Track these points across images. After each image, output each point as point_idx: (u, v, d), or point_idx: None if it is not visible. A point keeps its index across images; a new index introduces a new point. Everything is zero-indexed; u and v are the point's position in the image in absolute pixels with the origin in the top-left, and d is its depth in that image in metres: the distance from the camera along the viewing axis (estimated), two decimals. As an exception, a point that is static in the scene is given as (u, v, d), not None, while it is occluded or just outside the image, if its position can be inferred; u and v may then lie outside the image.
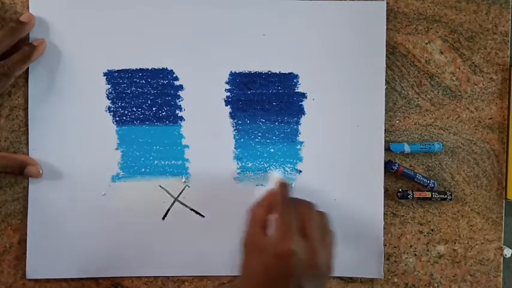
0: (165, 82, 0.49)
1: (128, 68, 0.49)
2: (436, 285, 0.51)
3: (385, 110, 0.50)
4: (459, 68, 0.52)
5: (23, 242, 0.49)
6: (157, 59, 0.49)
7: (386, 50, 0.50)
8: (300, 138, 0.50)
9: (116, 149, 0.49)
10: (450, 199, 0.50)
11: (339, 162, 0.50)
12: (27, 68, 0.48)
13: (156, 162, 0.49)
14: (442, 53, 0.51)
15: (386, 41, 0.50)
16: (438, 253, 0.51)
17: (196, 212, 0.49)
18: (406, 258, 0.51)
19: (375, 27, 0.50)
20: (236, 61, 0.50)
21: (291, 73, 0.50)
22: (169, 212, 0.49)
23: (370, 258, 0.50)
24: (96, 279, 0.49)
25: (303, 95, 0.50)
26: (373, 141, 0.50)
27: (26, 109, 0.49)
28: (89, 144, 0.49)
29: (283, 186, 0.44)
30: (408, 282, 0.51)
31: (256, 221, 0.42)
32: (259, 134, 0.50)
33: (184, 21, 0.49)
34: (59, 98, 0.49)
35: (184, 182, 0.49)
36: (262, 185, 0.49)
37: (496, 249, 0.52)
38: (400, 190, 0.50)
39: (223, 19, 0.49)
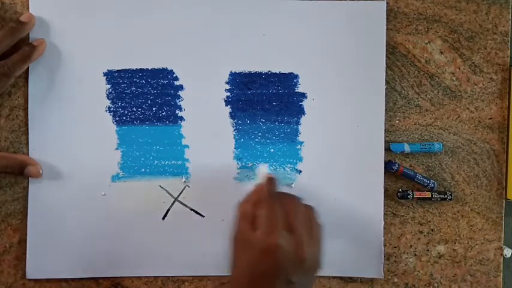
0: (165, 82, 0.49)
1: (127, 68, 0.49)
2: (436, 285, 0.51)
3: (385, 110, 0.50)
4: (459, 68, 0.52)
5: (23, 242, 0.49)
6: (157, 59, 0.49)
7: (387, 50, 0.50)
8: (300, 138, 0.50)
9: (116, 149, 0.49)
10: (450, 199, 0.50)
11: (339, 162, 0.50)
12: (27, 68, 0.48)
13: (156, 162, 0.49)
14: (442, 53, 0.51)
15: (387, 41, 0.50)
16: (438, 253, 0.51)
17: (196, 212, 0.49)
18: (406, 258, 0.51)
19: (375, 27, 0.50)
20: (236, 61, 0.50)
21: (291, 73, 0.50)
22: (169, 212, 0.49)
23: (370, 258, 0.50)
24: (96, 279, 0.49)
25: (303, 95, 0.50)
26: (373, 141, 0.50)
27: (26, 109, 0.49)
28: (89, 144, 0.49)
29: (270, 181, 0.44)
30: (408, 282, 0.51)
31: (243, 216, 0.42)
32: (259, 134, 0.50)
33: (184, 21, 0.49)
34: (59, 98, 0.49)
35: (184, 182, 0.49)
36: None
37: (496, 249, 0.52)
38: (400, 190, 0.50)
39: (223, 19, 0.49)
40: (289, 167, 0.50)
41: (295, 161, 0.50)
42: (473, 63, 0.52)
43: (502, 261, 0.52)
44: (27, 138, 0.48)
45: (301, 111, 0.50)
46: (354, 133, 0.50)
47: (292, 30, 0.50)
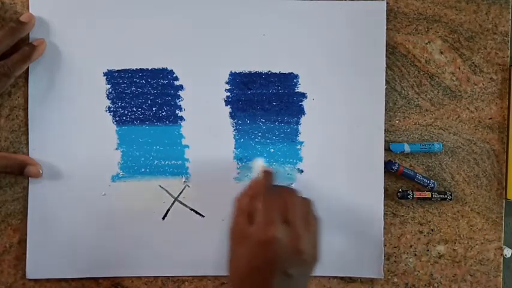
0: (165, 82, 0.49)
1: (127, 68, 0.49)
2: (436, 285, 0.51)
3: (385, 110, 0.50)
4: (459, 68, 0.52)
5: (23, 242, 0.49)
6: (157, 59, 0.49)
7: (386, 50, 0.50)
8: (300, 138, 0.50)
9: (116, 149, 0.49)
10: (450, 199, 0.50)
11: (339, 162, 0.50)
12: (27, 68, 0.48)
13: (156, 162, 0.49)
14: (442, 53, 0.51)
15: (386, 41, 0.50)
16: (438, 253, 0.51)
17: (196, 212, 0.49)
18: (406, 258, 0.51)
19: (375, 27, 0.50)
20: (236, 61, 0.50)
21: (291, 73, 0.50)
22: (169, 212, 0.49)
23: (370, 258, 0.50)
24: (96, 279, 0.49)
25: (303, 95, 0.50)
26: (373, 141, 0.50)
27: (26, 109, 0.49)
28: (89, 144, 0.49)
29: (267, 174, 0.45)
30: (408, 282, 0.51)
31: (241, 210, 0.42)
32: (259, 134, 0.50)
33: (184, 21, 0.49)
34: (59, 98, 0.49)
35: (184, 182, 0.49)
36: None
37: (496, 249, 0.52)
38: (400, 190, 0.50)
39: (223, 19, 0.49)
40: (289, 167, 0.50)
41: (295, 161, 0.50)
42: (473, 63, 0.52)
43: (502, 261, 0.52)
44: (27, 138, 0.48)
45: (301, 111, 0.50)
46: (354, 133, 0.50)
47: (292, 30, 0.50)
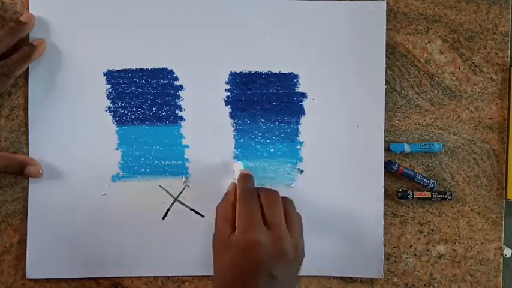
0: (165, 82, 0.49)
1: (127, 68, 0.49)
2: (436, 285, 0.51)
3: (385, 110, 0.50)
4: (459, 68, 0.52)
5: (23, 242, 0.49)
6: (157, 59, 0.49)
7: (386, 50, 0.50)
8: (300, 138, 0.50)
9: (116, 149, 0.49)
10: (450, 199, 0.50)
11: (339, 162, 0.50)
12: (27, 68, 0.48)
13: (156, 162, 0.49)
14: (442, 53, 0.51)
15: (386, 41, 0.50)
16: (438, 253, 0.51)
17: (196, 212, 0.49)
18: (406, 258, 0.51)
19: (375, 27, 0.50)
20: (236, 61, 0.50)
21: (291, 73, 0.50)
22: (169, 212, 0.49)
23: (370, 258, 0.50)
24: (96, 279, 0.49)
25: (303, 95, 0.50)
26: (373, 141, 0.50)
27: (26, 109, 0.49)
28: (89, 144, 0.49)
29: (244, 178, 0.45)
30: (408, 282, 0.51)
31: (222, 217, 0.42)
32: (259, 134, 0.50)
33: (184, 21, 0.49)
34: (59, 98, 0.49)
35: (184, 182, 0.49)
36: (262, 185, 0.49)
37: (496, 249, 0.52)
38: (400, 190, 0.50)
39: (223, 19, 0.49)
40: (289, 167, 0.50)
41: (295, 160, 0.50)
42: (473, 63, 0.52)
43: (502, 261, 0.52)
44: (27, 138, 0.48)
45: (301, 111, 0.50)
46: (354, 133, 0.50)
47: (292, 30, 0.50)
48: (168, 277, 0.50)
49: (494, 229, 0.51)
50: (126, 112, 0.49)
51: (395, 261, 0.51)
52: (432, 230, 0.51)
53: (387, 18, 0.50)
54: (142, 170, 0.49)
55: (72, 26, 0.49)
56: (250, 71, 0.50)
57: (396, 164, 0.50)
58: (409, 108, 0.51)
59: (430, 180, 0.50)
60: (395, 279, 0.51)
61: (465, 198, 0.52)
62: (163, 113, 0.49)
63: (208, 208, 0.49)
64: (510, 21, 0.52)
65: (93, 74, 0.49)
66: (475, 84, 0.52)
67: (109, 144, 0.49)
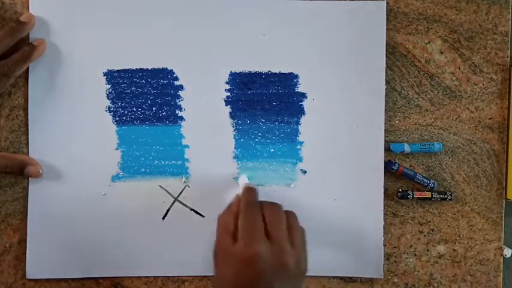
0: (165, 82, 0.49)
1: (127, 68, 0.49)
2: (436, 285, 0.51)
3: (385, 110, 0.50)
4: (459, 68, 0.52)
5: (23, 242, 0.49)
6: (157, 59, 0.49)
7: (386, 50, 0.50)
8: (300, 138, 0.50)
9: (116, 149, 0.49)
10: (450, 199, 0.50)
11: (339, 162, 0.50)
12: (27, 68, 0.48)
13: (156, 162, 0.49)
14: (442, 53, 0.51)
15: (386, 41, 0.50)
16: (438, 253, 0.51)
17: (196, 212, 0.49)
18: (406, 258, 0.51)
19: (375, 27, 0.50)
20: (236, 61, 0.50)
21: (291, 73, 0.50)
22: (169, 212, 0.49)
23: (370, 258, 0.50)
24: (96, 279, 0.49)
25: (303, 95, 0.50)
26: (373, 141, 0.50)
27: (26, 109, 0.49)
28: (89, 144, 0.49)
29: (249, 191, 0.45)
30: (408, 282, 0.51)
31: (224, 228, 0.42)
32: (259, 134, 0.50)
33: (184, 21, 0.49)
34: (59, 98, 0.49)
35: (184, 182, 0.49)
36: (262, 185, 0.49)
37: (496, 249, 0.52)
38: (400, 190, 0.50)
39: (223, 19, 0.49)
40: (289, 167, 0.50)
41: (295, 160, 0.50)
42: (473, 63, 0.52)
43: (502, 261, 0.52)
44: (27, 138, 0.48)
45: (301, 111, 0.50)
46: (354, 133, 0.50)
47: (292, 30, 0.50)
48: (168, 277, 0.50)
49: (494, 229, 0.51)
50: (126, 112, 0.49)
51: (395, 261, 0.51)
52: (432, 230, 0.51)
53: (387, 18, 0.50)
54: (142, 170, 0.49)
55: (72, 26, 0.49)
56: (250, 71, 0.50)
57: (396, 164, 0.50)
58: (409, 108, 0.51)
59: (430, 180, 0.50)
60: (395, 279, 0.51)
61: (465, 198, 0.52)
62: (163, 113, 0.49)
63: (208, 208, 0.49)
64: (510, 21, 0.52)
65: (93, 74, 0.49)
66: (475, 84, 0.52)
67: (109, 144, 0.49)
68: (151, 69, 0.49)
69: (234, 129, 0.50)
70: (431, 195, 0.50)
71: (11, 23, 0.46)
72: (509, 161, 0.51)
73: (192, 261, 0.49)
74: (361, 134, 0.50)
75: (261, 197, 0.46)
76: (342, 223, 0.50)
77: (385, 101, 0.50)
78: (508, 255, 0.52)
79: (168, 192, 0.49)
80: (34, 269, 0.48)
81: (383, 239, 0.50)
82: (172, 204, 0.49)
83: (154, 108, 0.49)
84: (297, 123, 0.50)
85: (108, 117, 0.49)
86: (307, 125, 0.50)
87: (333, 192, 0.50)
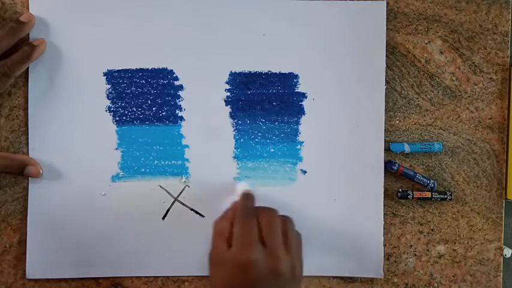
0: (165, 82, 0.49)
1: (127, 68, 0.49)
2: (436, 285, 0.51)
3: (385, 110, 0.50)
4: (459, 68, 0.52)
5: (23, 242, 0.49)
6: (157, 59, 0.49)
7: (386, 50, 0.50)
8: (300, 138, 0.50)
9: (116, 149, 0.49)
10: (450, 199, 0.50)
11: (339, 162, 0.50)
12: (27, 68, 0.48)
13: (156, 162, 0.49)
14: (442, 53, 0.51)
15: (387, 41, 0.50)
16: (438, 253, 0.51)
17: (196, 212, 0.49)
18: (406, 258, 0.51)
19: (375, 27, 0.50)
20: (236, 61, 0.50)
21: (291, 73, 0.50)
22: (169, 212, 0.49)
23: (370, 258, 0.50)
24: (96, 279, 0.49)
25: (303, 95, 0.50)
26: (373, 141, 0.50)
27: (26, 109, 0.49)
28: (88, 144, 0.49)
29: (245, 197, 0.45)
30: (408, 282, 0.51)
31: (219, 234, 0.42)
32: (259, 134, 0.50)
33: (184, 21, 0.49)
34: (59, 98, 0.49)
35: (184, 182, 0.49)
36: (262, 184, 0.49)
37: (496, 249, 0.52)
38: (400, 190, 0.50)
39: (223, 19, 0.49)
40: (289, 167, 0.50)
41: (295, 160, 0.50)
42: (473, 63, 0.52)
43: (502, 261, 0.52)
44: (27, 138, 0.48)
45: (301, 111, 0.50)
46: (354, 133, 0.50)
47: (292, 30, 0.50)
48: (168, 277, 0.50)
49: (494, 229, 0.51)
50: (126, 112, 0.49)
51: (395, 261, 0.51)
52: (432, 230, 0.51)
53: (387, 18, 0.50)
54: (142, 170, 0.49)
55: (72, 26, 0.49)
56: (250, 71, 0.50)
57: (396, 164, 0.50)
58: (409, 108, 0.51)
59: (430, 180, 0.50)
60: (395, 279, 0.51)
61: (465, 198, 0.52)
62: (163, 113, 0.49)
63: (208, 208, 0.49)
64: (510, 21, 0.52)
65: (93, 74, 0.49)
66: (475, 84, 0.52)
67: (109, 144, 0.49)
68: (151, 69, 0.49)
69: (234, 129, 0.50)
70: (431, 195, 0.50)
71: (11, 23, 0.46)
72: (509, 161, 0.51)
73: (192, 261, 0.49)
74: (361, 134, 0.50)
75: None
76: (342, 223, 0.50)
77: (385, 101, 0.50)
78: (508, 255, 0.52)
79: (168, 192, 0.49)
80: (34, 269, 0.48)
81: (383, 239, 0.50)
82: (172, 204, 0.49)
83: (154, 108, 0.49)
84: (297, 123, 0.50)
85: (108, 117, 0.49)
86: (307, 125, 0.50)
87: (333, 192, 0.50)
